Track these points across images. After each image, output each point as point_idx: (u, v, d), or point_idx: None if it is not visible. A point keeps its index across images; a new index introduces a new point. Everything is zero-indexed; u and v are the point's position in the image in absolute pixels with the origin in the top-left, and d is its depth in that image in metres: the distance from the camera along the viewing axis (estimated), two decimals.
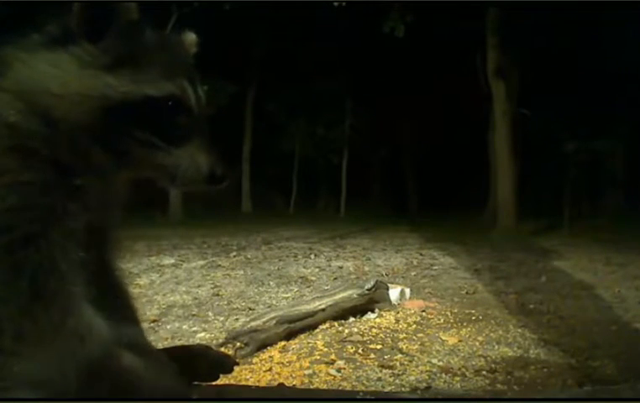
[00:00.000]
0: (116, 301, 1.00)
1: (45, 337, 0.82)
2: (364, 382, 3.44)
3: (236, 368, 1.21)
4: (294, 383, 3.37)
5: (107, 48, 0.90)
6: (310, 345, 4.12)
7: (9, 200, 0.82)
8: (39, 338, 0.81)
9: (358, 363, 3.77)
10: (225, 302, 5.58)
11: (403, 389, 3.30)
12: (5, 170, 0.83)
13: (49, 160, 0.86)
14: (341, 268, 7.72)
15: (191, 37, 1.08)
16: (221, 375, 1.14)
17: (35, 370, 0.82)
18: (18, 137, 0.85)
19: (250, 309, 5.30)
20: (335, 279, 6.92)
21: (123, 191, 1.02)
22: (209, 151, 0.96)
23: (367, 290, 4.90)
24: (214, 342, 4.17)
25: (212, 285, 6.36)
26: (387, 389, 3.30)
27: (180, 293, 5.88)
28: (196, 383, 1.11)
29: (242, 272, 7.25)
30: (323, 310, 4.58)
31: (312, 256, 8.72)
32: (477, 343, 4.25)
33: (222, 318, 4.97)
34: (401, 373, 3.61)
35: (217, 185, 0.96)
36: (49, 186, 0.85)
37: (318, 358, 3.86)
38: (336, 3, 10.59)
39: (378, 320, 4.80)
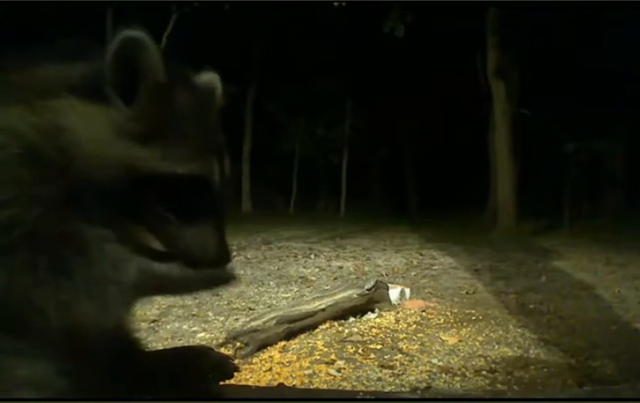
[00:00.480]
0: None
1: (49, 336, 0.81)
2: (364, 382, 3.44)
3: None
4: (294, 383, 3.37)
5: (140, 113, 0.87)
6: (310, 345, 4.12)
7: (17, 203, 0.81)
8: (43, 337, 0.81)
9: (358, 363, 3.77)
10: (225, 302, 5.58)
11: (403, 389, 3.30)
12: (18, 180, 0.82)
13: (59, 186, 0.84)
14: (341, 268, 7.72)
15: (214, 80, 1.03)
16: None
17: (39, 372, 0.81)
18: (34, 154, 0.83)
19: (250, 309, 5.30)
20: (335, 279, 6.91)
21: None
22: (219, 234, 0.93)
23: (367, 290, 4.90)
24: (214, 342, 4.17)
25: None
26: (387, 389, 3.30)
27: None
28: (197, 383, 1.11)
29: (242, 272, 7.25)
30: (323, 310, 4.58)
31: (312, 256, 8.72)
32: (477, 343, 4.25)
33: (222, 318, 4.97)
34: (401, 373, 3.61)
35: (219, 266, 0.94)
36: (53, 206, 0.84)
37: (318, 358, 3.86)
38: (336, 3, 10.61)
39: (378, 320, 4.80)
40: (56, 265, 0.82)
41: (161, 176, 0.86)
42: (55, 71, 0.89)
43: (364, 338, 4.32)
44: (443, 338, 4.34)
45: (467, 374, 3.62)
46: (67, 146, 0.84)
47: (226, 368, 1.14)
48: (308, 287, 6.41)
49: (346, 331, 4.49)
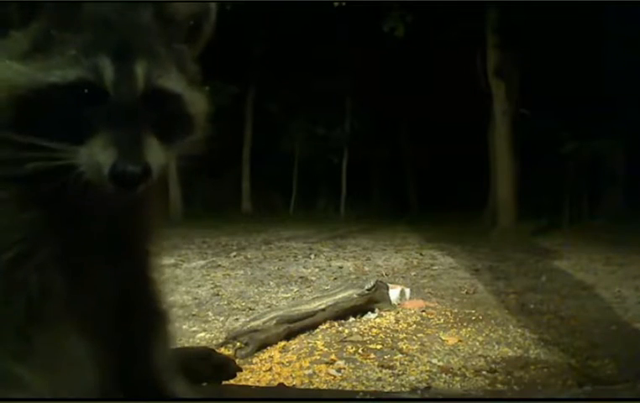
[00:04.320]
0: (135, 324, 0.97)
1: (43, 362, 0.79)
2: (364, 382, 3.45)
3: None
4: (294, 383, 3.37)
5: (33, 33, 0.79)
6: (310, 345, 4.13)
7: None
8: (36, 362, 0.79)
9: (358, 363, 3.77)
10: (225, 302, 5.59)
11: (403, 389, 3.30)
12: None
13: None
14: (341, 268, 7.72)
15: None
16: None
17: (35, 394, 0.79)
18: None
19: (250, 309, 5.30)
20: (335, 279, 6.92)
21: (147, 204, 0.93)
22: (119, 146, 0.76)
23: (367, 290, 4.90)
24: (214, 342, 4.17)
25: (212, 285, 6.36)
26: (387, 389, 3.30)
27: (181, 293, 5.88)
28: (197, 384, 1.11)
29: (242, 272, 7.25)
30: (323, 310, 4.59)
31: (312, 256, 8.71)
32: (477, 343, 4.25)
33: (222, 318, 4.97)
34: (401, 373, 3.61)
35: (127, 187, 0.77)
36: (25, 200, 0.80)
37: (318, 358, 3.86)
38: (336, 3, 10.61)
39: (378, 320, 4.80)
40: None
41: (41, 90, 0.77)
42: None
43: (364, 338, 4.32)
44: (443, 338, 4.34)
45: (467, 374, 3.63)
46: None
47: (229, 371, 1.14)
48: (308, 287, 6.41)
49: (346, 331, 4.49)
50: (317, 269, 7.54)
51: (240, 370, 1.17)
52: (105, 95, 0.79)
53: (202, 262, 7.95)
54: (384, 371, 3.63)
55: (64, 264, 0.83)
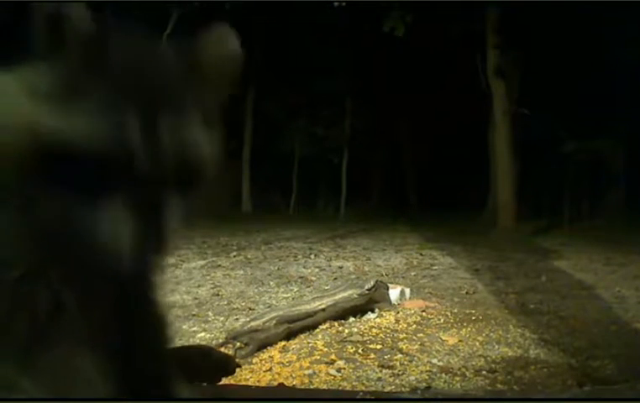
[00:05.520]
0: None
1: (49, 376, 0.79)
2: (364, 382, 3.44)
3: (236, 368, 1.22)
4: (294, 383, 3.37)
5: (57, 71, 0.73)
6: (310, 345, 4.13)
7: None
8: (43, 378, 0.78)
9: (358, 363, 3.77)
10: (225, 302, 5.58)
11: (403, 389, 3.30)
12: None
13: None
14: (341, 268, 7.72)
15: (226, 44, 0.87)
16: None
17: None
18: None
19: (250, 309, 5.30)
20: (335, 279, 6.91)
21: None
22: (140, 217, 0.72)
23: (367, 290, 4.90)
24: (214, 342, 4.17)
25: (212, 285, 6.36)
26: (387, 389, 3.30)
27: (181, 293, 5.88)
28: (197, 383, 1.11)
29: (242, 272, 7.25)
30: (323, 310, 4.58)
31: (312, 256, 8.71)
32: (477, 343, 4.25)
33: (222, 318, 4.97)
34: (401, 373, 3.61)
35: (150, 258, 0.75)
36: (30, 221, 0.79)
37: (318, 358, 3.86)
38: (336, 3, 10.62)
39: (378, 320, 4.80)
40: None
41: (63, 139, 0.71)
42: None
43: (364, 338, 4.32)
44: (443, 338, 4.34)
45: (467, 374, 3.62)
46: None
47: (228, 368, 1.14)
48: (308, 287, 6.41)
49: (346, 331, 4.49)
50: (317, 269, 7.54)
51: (239, 367, 1.17)
52: (130, 155, 0.73)
53: (202, 262, 7.94)
54: (384, 371, 3.63)
55: (73, 279, 0.82)
